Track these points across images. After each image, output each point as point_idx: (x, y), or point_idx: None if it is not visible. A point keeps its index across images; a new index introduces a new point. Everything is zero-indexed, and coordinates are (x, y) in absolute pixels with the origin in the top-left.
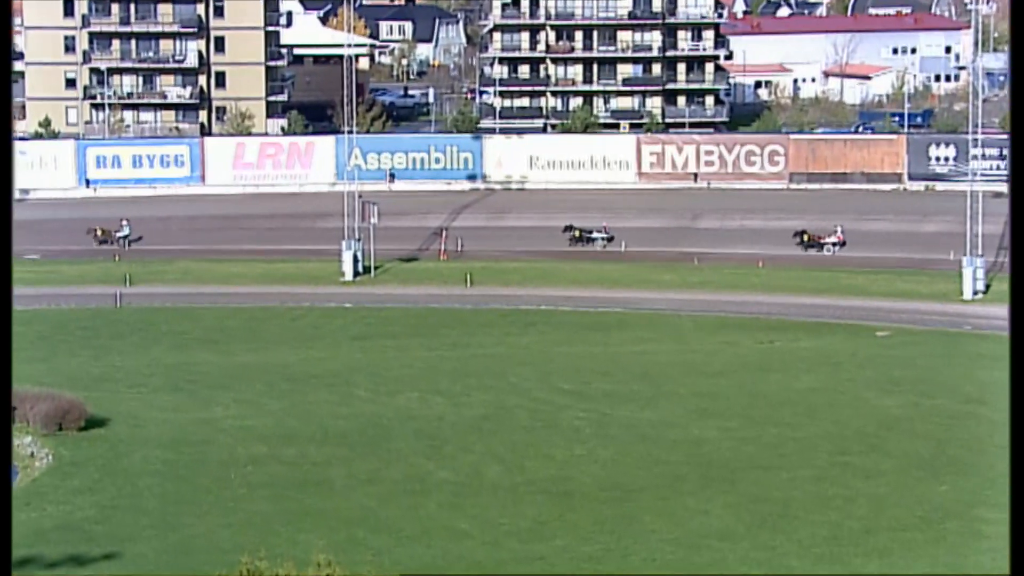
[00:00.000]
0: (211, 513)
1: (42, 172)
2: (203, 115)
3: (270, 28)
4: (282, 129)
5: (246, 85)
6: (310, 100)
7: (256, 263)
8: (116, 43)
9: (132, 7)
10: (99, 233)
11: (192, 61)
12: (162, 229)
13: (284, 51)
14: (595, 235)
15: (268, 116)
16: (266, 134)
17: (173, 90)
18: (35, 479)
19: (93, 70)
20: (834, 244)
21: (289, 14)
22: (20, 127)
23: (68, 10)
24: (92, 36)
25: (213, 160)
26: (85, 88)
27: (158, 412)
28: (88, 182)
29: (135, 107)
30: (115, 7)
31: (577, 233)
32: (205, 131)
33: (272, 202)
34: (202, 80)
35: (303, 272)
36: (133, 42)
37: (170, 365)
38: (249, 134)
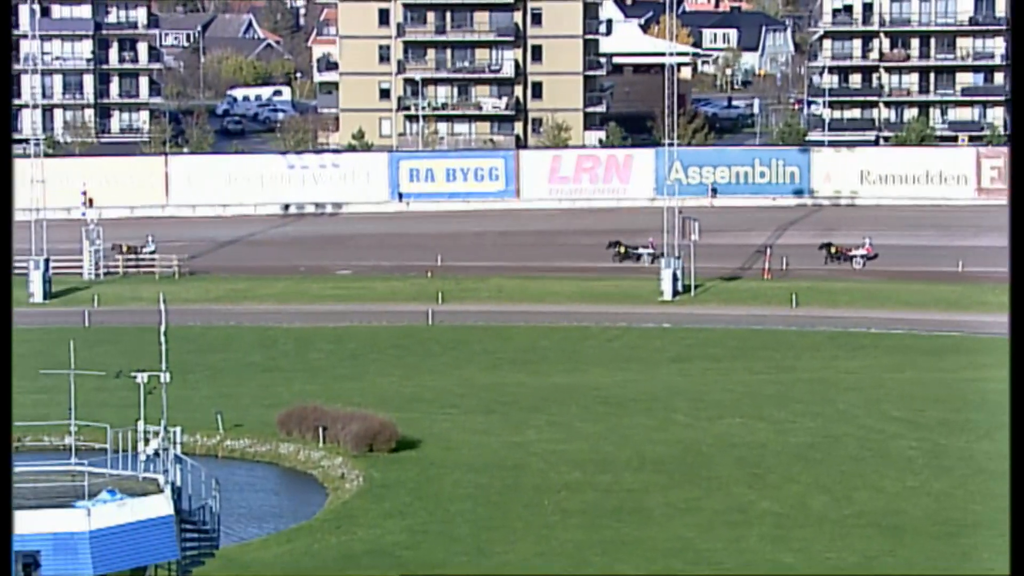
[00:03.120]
0: (524, 540)
1: (354, 185)
2: (518, 127)
3: (589, 36)
4: (600, 141)
5: (563, 96)
6: (629, 111)
7: (571, 281)
8: (431, 52)
9: (448, 15)
10: (124, 249)
11: (508, 71)
12: (476, 244)
13: (603, 60)
14: (641, 251)
15: (585, 128)
16: (583, 146)
17: (488, 101)
18: (345, 502)
19: (407, 80)
20: (863, 256)
21: (609, 22)
22: (333, 139)
23: (383, 19)
24: (407, 45)
25: (528, 173)
26: (399, 99)
27: (470, 434)
28: (401, 196)
29: (449, 119)
30: (430, 15)
31: (623, 250)
32: (520, 143)
33: (588, 217)
34: (518, 91)
35: (620, 290)
36: (448, 51)
37: (482, 386)
38: (566, 146)
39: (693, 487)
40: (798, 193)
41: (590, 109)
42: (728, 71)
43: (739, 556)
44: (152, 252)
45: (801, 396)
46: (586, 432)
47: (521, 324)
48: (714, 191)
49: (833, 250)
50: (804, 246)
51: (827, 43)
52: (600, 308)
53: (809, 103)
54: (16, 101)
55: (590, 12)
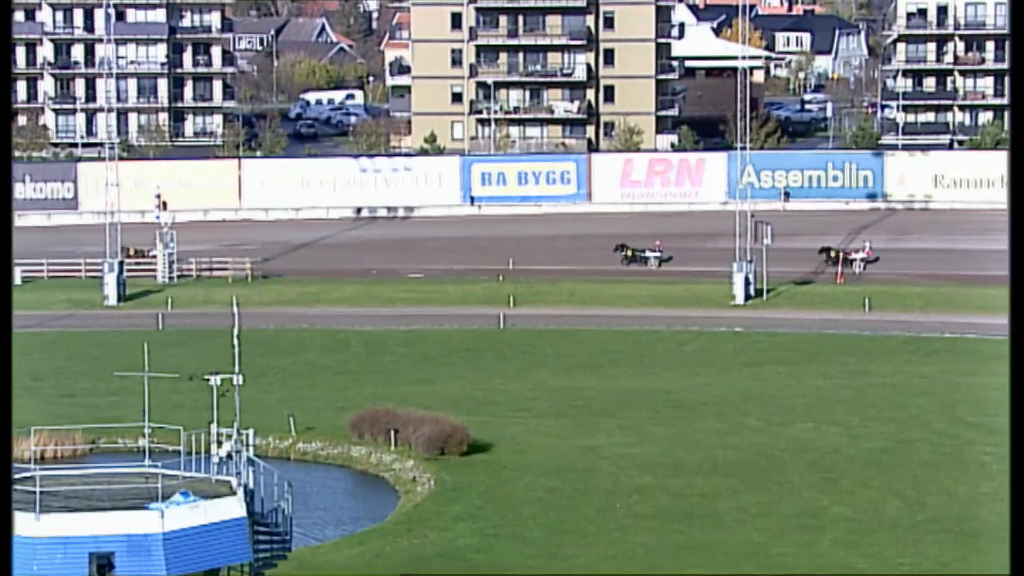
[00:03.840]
0: (595, 544)
1: (427, 189)
2: (590, 130)
3: (661, 40)
4: (672, 145)
5: (635, 99)
6: (701, 115)
7: (643, 284)
8: (503, 56)
9: (520, 19)
10: (132, 252)
11: (580, 75)
12: (547, 248)
13: (675, 64)
14: (648, 254)
15: (657, 131)
16: (655, 150)
17: (560, 104)
18: (417, 504)
19: (479, 84)
20: (863, 260)
21: (681, 25)
22: (406, 143)
23: (455, 23)
24: (479, 49)
25: (600, 177)
26: (471, 103)
27: (541, 438)
28: (472, 199)
29: (521, 122)
30: (503, 19)
31: (630, 252)
32: (592, 147)
33: (660, 221)
34: (590, 94)
35: (691, 294)
36: (520, 55)
37: (554, 389)
38: (637, 150)
39: (765, 491)
40: (871, 197)
41: (662, 113)
42: (801, 74)
43: (811, 561)
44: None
45: (874, 401)
46: (657, 436)
47: (593, 328)
48: (787, 195)
49: (833, 254)
50: (877, 250)
51: (901, 46)
52: (672, 312)
53: (883, 107)
54: (91, 104)
55: (662, 16)
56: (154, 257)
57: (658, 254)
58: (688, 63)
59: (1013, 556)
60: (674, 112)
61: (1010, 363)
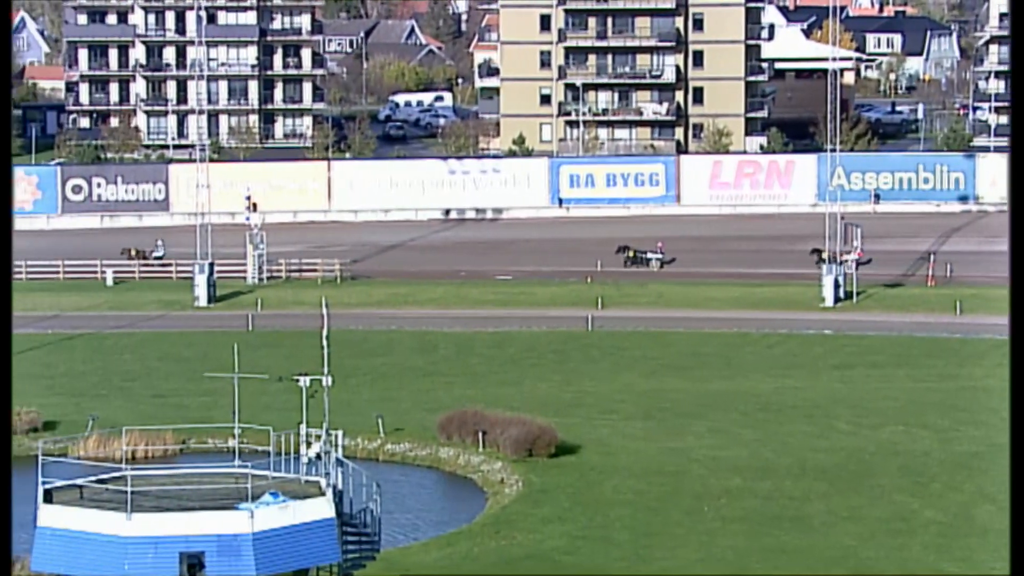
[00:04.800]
0: (684, 547)
1: (515, 190)
2: (679, 132)
3: (751, 42)
4: (761, 147)
5: (724, 101)
6: (791, 116)
7: (732, 287)
8: (592, 58)
9: (609, 21)
10: (133, 254)
11: (669, 76)
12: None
13: (765, 65)
14: (650, 256)
15: (747, 133)
16: (744, 152)
17: (649, 106)
18: (505, 506)
19: (568, 86)
20: (855, 261)
21: (771, 27)
22: (494, 144)
23: (544, 24)
24: (568, 51)
25: (688, 179)
26: (560, 104)
27: (629, 440)
28: (561, 201)
29: (609, 124)
30: (592, 21)
31: (632, 254)
32: (681, 149)
33: (749, 223)
34: (679, 96)
35: (781, 297)
36: (609, 57)
37: (642, 391)
38: (726, 152)
39: (855, 495)
40: (963, 199)
41: (751, 114)
42: (892, 76)
43: (901, 565)
44: (160, 257)
45: (965, 404)
46: (746, 439)
47: (681, 330)
48: (877, 197)
49: (823, 255)
50: (969, 252)
51: (994, 47)
52: (761, 314)
53: (975, 108)
54: (182, 107)
55: (752, 17)
56: (156, 259)
57: (660, 256)
58: (778, 65)
59: (1013, 556)
60: (763, 114)
61: (1010, 363)
